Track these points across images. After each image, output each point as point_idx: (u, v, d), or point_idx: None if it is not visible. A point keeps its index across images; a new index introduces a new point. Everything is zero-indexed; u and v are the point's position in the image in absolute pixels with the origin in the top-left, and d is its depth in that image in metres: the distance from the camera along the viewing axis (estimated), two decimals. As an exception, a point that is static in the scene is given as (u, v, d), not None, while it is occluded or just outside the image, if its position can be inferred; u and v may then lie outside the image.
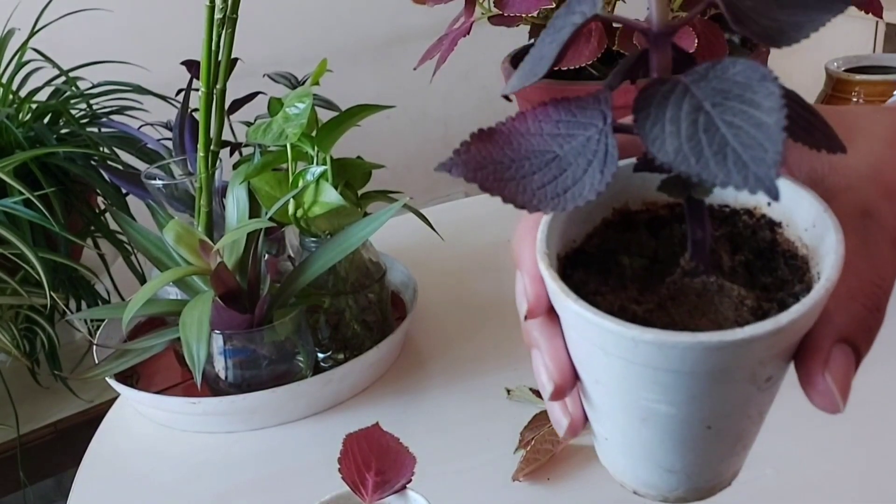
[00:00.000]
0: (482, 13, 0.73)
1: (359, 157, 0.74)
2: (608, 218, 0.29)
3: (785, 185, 0.27)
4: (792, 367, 0.26)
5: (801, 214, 0.27)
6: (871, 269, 0.26)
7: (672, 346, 0.23)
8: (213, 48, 0.63)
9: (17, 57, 1.20)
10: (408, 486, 0.45)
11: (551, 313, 0.27)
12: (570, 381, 0.27)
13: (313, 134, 0.68)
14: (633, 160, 0.27)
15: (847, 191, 0.28)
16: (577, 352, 0.27)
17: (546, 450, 0.59)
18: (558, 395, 0.27)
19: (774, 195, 0.20)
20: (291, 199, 0.68)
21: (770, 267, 0.27)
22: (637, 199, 0.28)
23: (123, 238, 1.12)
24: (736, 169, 0.20)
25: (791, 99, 0.24)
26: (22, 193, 0.95)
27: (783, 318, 0.23)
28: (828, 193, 0.28)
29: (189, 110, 0.78)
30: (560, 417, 0.29)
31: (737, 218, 0.28)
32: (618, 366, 0.25)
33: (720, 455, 0.28)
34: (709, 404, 0.25)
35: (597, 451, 0.31)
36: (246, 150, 0.83)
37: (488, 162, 0.24)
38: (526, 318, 0.28)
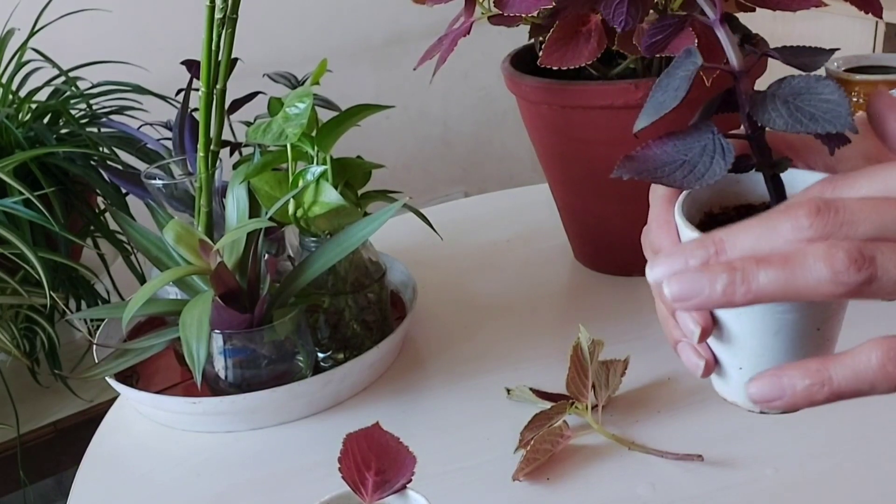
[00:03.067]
0: (482, 13, 0.73)
1: (359, 157, 0.74)
2: (702, 218, 0.40)
3: (799, 173, 0.38)
4: None
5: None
6: None
7: None
8: (213, 48, 0.63)
9: (16, 57, 1.20)
10: (408, 485, 0.45)
11: None
12: (710, 325, 0.36)
13: (313, 134, 0.68)
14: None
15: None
16: None
17: (546, 450, 0.59)
18: (704, 335, 0.36)
19: (854, 130, 0.34)
20: (291, 199, 0.68)
21: None
22: (717, 206, 0.40)
23: (123, 238, 1.12)
24: (826, 123, 0.34)
25: None
26: (22, 193, 0.95)
27: None
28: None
29: (189, 110, 0.77)
30: (697, 361, 0.38)
31: None
32: None
33: None
34: (819, 307, 0.35)
35: (721, 391, 0.39)
36: (246, 150, 0.83)
37: (642, 168, 0.37)
38: None
